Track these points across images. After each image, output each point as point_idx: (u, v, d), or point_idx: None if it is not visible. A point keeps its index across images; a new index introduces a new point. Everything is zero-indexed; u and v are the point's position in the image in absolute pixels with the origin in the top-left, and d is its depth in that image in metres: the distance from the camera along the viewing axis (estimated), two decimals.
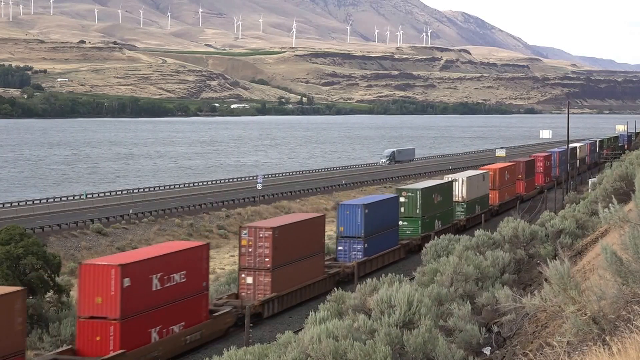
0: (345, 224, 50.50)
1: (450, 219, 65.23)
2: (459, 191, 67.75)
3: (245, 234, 40.54)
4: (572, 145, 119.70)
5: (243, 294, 40.03)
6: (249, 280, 39.99)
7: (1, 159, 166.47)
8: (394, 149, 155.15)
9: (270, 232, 39.96)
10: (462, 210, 68.21)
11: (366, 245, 50.46)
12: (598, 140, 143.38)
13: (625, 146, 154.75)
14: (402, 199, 57.86)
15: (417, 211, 58.26)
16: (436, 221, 61.18)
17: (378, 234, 52.08)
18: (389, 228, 54.44)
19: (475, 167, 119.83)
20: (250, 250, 40.05)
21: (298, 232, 43.18)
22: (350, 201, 59.65)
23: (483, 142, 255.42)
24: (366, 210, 50.50)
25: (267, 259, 39.95)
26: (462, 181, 68.32)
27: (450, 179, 68.60)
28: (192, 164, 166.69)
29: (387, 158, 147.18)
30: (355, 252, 49.92)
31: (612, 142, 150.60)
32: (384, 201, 55.61)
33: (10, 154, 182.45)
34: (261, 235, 40.03)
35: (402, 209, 57.65)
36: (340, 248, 50.43)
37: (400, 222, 57.17)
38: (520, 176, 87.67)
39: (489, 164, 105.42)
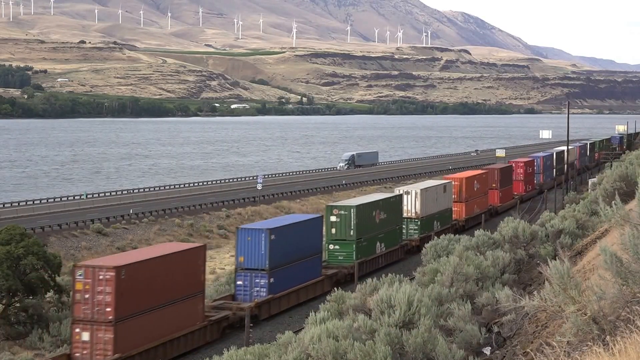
0: (245, 253, 40.56)
1: (398, 240, 56.29)
2: (412, 206, 59.09)
3: (80, 275, 30.74)
4: (559, 149, 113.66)
5: (77, 354, 30.57)
6: (85, 336, 30.57)
7: (4, 159, 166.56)
8: (354, 153, 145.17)
9: (113, 273, 30.26)
10: (415, 228, 59.32)
11: (272, 279, 40.56)
12: (589, 142, 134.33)
13: (618, 148, 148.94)
14: (333, 218, 48.90)
15: (351, 233, 48.95)
16: (378, 243, 52.45)
17: (291, 264, 42.25)
18: (308, 256, 44.43)
19: (463, 169, 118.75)
20: (86, 296, 30.49)
21: (162, 269, 33.21)
22: (254, 224, 49.57)
23: (482, 142, 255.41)
24: (272, 236, 40.64)
25: (108, 309, 30.42)
26: (416, 194, 59.36)
27: (401, 192, 59.70)
28: (193, 164, 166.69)
29: (346, 162, 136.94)
30: (258, 289, 40.31)
31: (604, 145, 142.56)
32: (300, 223, 45.50)
33: (15, 153, 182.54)
34: (101, 276, 30.47)
35: (334, 230, 48.93)
36: (239, 283, 40.32)
37: (331, 246, 48.94)
38: (494, 185, 78.27)
39: (482, 165, 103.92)
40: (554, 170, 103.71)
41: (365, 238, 50.22)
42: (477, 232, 24.27)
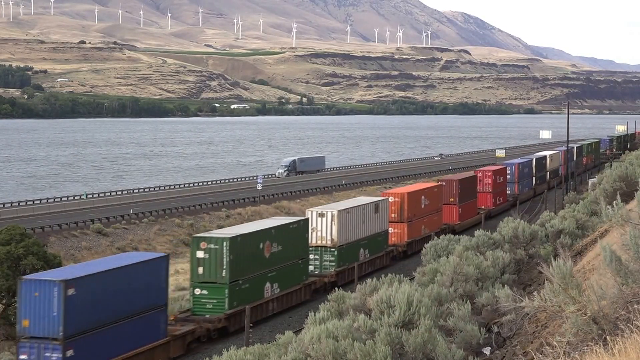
0: (31, 315, 28.59)
1: (301, 277, 44.67)
2: (327, 231, 47.68)
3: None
4: (540, 154, 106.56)
5: None
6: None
7: (5, 159, 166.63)
8: (295, 158, 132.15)
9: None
10: (332, 259, 47.89)
11: (72, 352, 28.35)
12: (576, 146, 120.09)
13: (608, 152, 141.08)
14: (200, 254, 37.38)
15: (223, 273, 37.14)
16: (267, 284, 40.98)
17: (108, 327, 30.01)
18: (143, 312, 31.92)
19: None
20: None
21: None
22: (43, 274, 32.91)
23: (481, 142, 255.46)
24: (71, 290, 28.21)
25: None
26: (332, 216, 47.71)
27: (313, 214, 48.22)
28: (194, 164, 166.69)
29: (286, 168, 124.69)
30: None
31: (592, 148, 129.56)
32: (128, 268, 31.93)
33: (18, 153, 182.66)
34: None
35: (201, 270, 37.35)
36: (22, 358, 28.95)
37: (197, 291, 37.47)
38: (452, 199, 67.51)
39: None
40: (534, 178, 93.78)
41: (245, 279, 38.45)
42: (477, 232, 24.28)
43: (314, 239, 47.33)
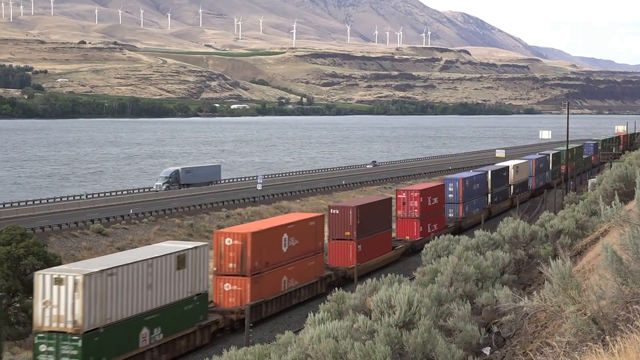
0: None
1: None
2: (66, 307, 28.75)
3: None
4: (503, 164, 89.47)
5: None
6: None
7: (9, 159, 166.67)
8: (178, 168, 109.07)
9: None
10: (74, 354, 28.52)
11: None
12: (551, 153, 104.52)
13: (593, 158, 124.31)
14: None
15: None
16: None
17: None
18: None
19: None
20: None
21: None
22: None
23: (482, 142, 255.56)
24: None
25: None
26: (74, 284, 28.64)
27: (52, 278, 29.00)
28: (197, 163, 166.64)
29: (166, 180, 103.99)
30: None
31: (574, 155, 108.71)
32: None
33: (17, 154, 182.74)
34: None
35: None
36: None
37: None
38: (347, 233, 50.56)
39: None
40: (488, 195, 76.96)
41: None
42: (477, 233, 24.29)
43: (45, 319, 28.92)
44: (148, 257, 31.96)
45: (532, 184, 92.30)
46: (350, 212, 50.59)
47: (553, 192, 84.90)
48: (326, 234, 50.76)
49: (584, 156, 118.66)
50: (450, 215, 68.93)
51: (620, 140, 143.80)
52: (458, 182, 70.38)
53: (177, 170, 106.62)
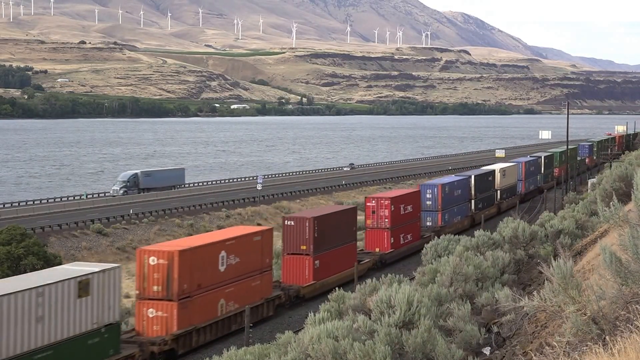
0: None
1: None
2: None
3: None
4: (487, 167, 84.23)
5: None
6: None
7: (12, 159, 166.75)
8: (137, 171, 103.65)
9: None
10: None
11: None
12: (543, 155, 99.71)
13: (588, 160, 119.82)
14: None
15: None
16: None
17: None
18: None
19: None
20: None
21: None
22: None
23: (481, 142, 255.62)
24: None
25: None
26: None
27: None
28: (197, 163, 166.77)
29: (123, 185, 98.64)
30: None
31: (568, 157, 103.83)
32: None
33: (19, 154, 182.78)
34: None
35: None
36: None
37: None
38: (303, 247, 45.38)
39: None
40: (472, 202, 72.02)
41: None
42: (477, 233, 24.30)
43: None
44: (39, 284, 26.67)
45: (522, 188, 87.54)
46: (307, 224, 45.19)
47: (553, 192, 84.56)
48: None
49: (578, 158, 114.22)
50: (428, 224, 64.17)
51: (616, 141, 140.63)
52: (436, 188, 65.22)
53: (136, 174, 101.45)
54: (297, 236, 45.08)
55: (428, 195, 64.48)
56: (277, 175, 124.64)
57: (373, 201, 56.40)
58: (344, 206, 61.28)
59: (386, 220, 55.64)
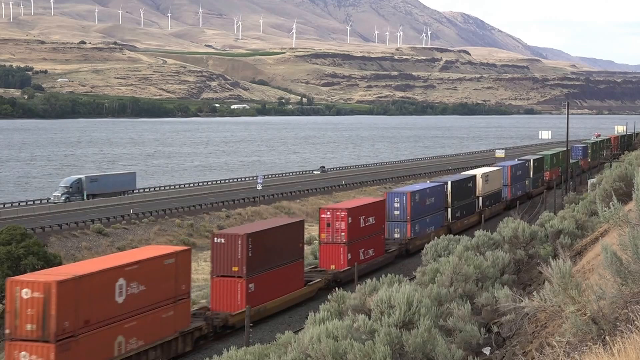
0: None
1: None
2: None
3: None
4: (468, 172, 79.86)
5: None
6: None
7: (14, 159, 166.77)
8: (81, 176, 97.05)
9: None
10: None
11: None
12: (532, 158, 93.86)
13: (582, 163, 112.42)
14: None
15: None
16: None
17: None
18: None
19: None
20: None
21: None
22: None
23: (481, 143, 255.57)
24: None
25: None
26: None
27: None
28: (197, 164, 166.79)
29: (65, 191, 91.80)
30: None
31: (560, 159, 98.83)
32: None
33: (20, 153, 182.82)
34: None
35: None
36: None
37: None
38: (235, 268, 39.30)
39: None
40: (448, 210, 66.52)
41: None
42: (477, 233, 24.31)
43: None
44: None
45: (508, 194, 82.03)
46: (240, 241, 38.93)
47: (553, 193, 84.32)
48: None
49: (572, 160, 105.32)
50: (396, 236, 58.34)
51: (612, 142, 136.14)
52: (405, 196, 58.56)
53: (80, 179, 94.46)
54: (227, 255, 39.05)
55: (396, 205, 58.41)
56: (277, 176, 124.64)
57: (328, 212, 50.17)
58: (288, 219, 53.06)
59: (342, 233, 49.51)
